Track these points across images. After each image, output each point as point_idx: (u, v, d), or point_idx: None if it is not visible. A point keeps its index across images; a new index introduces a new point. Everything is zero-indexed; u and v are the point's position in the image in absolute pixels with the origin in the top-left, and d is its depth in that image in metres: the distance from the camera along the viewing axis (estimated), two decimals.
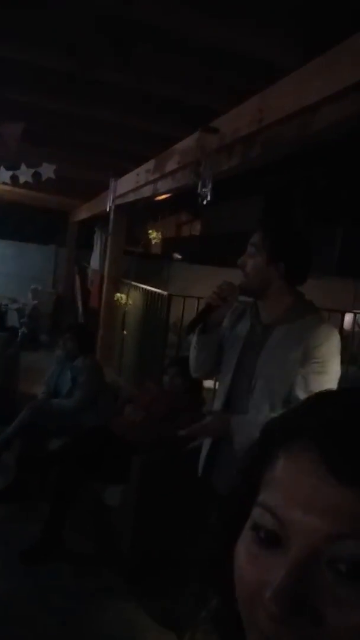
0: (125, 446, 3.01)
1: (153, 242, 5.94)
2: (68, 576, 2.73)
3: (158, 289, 5.55)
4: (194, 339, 1.92)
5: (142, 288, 5.50)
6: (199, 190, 2.55)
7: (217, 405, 1.93)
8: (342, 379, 1.86)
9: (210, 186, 2.56)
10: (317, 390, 1.21)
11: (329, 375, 1.70)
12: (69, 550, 2.89)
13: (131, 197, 4.52)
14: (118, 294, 5.46)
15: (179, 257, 10.08)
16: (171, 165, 3.40)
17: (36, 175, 4.12)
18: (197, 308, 5.00)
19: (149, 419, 3.21)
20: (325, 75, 1.91)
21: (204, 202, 2.60)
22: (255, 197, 10.17)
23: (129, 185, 4.38)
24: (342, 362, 1.82)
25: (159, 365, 4.77)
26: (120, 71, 2.48)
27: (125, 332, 5.78)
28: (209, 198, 2.60)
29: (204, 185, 2.55)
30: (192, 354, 1.96)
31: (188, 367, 3.44)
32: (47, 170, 4.07)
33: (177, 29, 2.01)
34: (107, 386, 3.83)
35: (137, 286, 5.65)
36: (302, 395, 1.64)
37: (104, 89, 2.69)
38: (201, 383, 3.50)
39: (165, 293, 4.97)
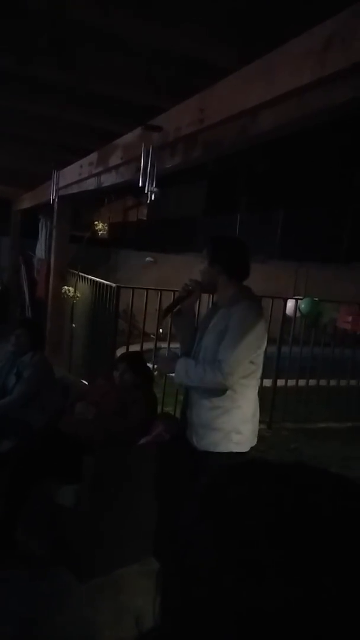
0: (77, 444, 3.00)
1: (99, 233, 5.86)
2: (22, 580, 2.71)
3: (106, 277, 5.52)
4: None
5: (90, 279, 5.45)
6: (145, 190, 2.55)
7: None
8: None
9: (154, 183, 2.56)
10: (225, 348, 2.34)
11: (235, 340, 2.29)
12: (22, 553, 2.88)
13: (75, 189, 4.44)
14: (66, 287, 5.38)
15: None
16: (114, 160, 3.36)
17: None
18: (146, 298, 5.07)
19: (100, 415, 3.22)
20: (264, 79, 1.93)
21: (149, 200, 2.60)
22: (199, 181, 10.19)
23: (73, 176, 4.30)
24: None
25: (109, 359, 4.77)
26: (60, 68, 2.41)
27: (74, 324, 5.73)
28: (154, 197, 2.60)
29: (149, 183, 2.55)
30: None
31: (138, 362, 3.48)
32: None
33: (117, 30, 1.98)
34: (56, 383, 3.78)
35: (85, 277, 5.59)
36: (220, 354, 2.30)
37: (43, 84, 2.61)
38: (151, 377, 3.53)
39: (113, 285, 4.95)
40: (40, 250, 8.54)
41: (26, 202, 7.53)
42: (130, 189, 8.97)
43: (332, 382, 5.71)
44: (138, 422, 3.19)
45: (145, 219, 11.73)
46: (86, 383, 4.18)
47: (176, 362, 2.45)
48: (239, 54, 2.00)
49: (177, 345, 4.91)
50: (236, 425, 2.39)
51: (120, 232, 11.26)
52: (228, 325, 2.32)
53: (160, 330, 5.38)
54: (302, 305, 5.32)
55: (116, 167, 3.42)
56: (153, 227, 10.88)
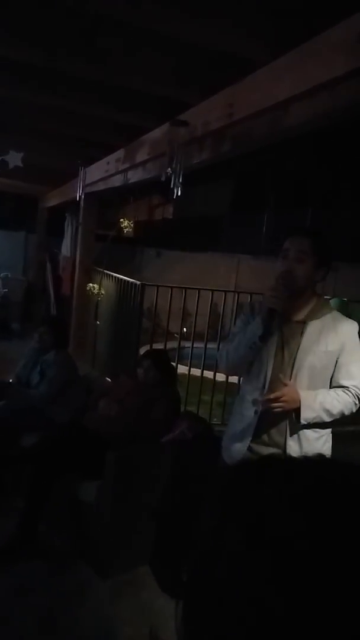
0: (100, 441, 3.00)
1: (125, 230, 5.86)
2: (44, 573, 2.72)
3: (131, 275, 5.51)
4: (245, 339, 2.00)
5: (115, 277, 5.46)
6: (171, 185, 2.53)
7: (255, 394, 2.05)
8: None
9: (180, 179, 2.54)
10: (353, 371, 1.84)
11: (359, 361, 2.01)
12: (44, 547, 2.89)
13: (101, 186, 4.45)
14: (90, 284, 5.39)
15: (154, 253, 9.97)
16: (141, 156, 3.35)
17: (3, 163, 4.03)
18: (170, 296, 5.05)
19: (124, 412, 3.21)
20: (295, 71, 1.89)
21: (175, 196, 2.58)
22: (226, 180, 10.12)
23: (99, 173, 4.31)
24: None
25: (133, 356, 4.76)
26: (89, 63, 2.41)
27: (98, 322, 5.74)
28: (179, 192, 2.58)
29: (175, 179, 2.53)
30: (244, 354, 2.03)
31: (162, 360, 3.46)
32: (15, 158, 3.98)
33: (146, 23, 1.96)
34: (80, 380, 3.78)
35: (109, 275, 5.60)
36: (346, 381, 1.99)
37: (71, 80, 2.61)
38: (175, 375, 3.51)
39: (138, 282, 4.94)
40: (65, 248, 8.61)
41: (53, 199, 7.60)
42: (156, 188, 8.99)
43: None
44: (161, 419, 3.17)
45: (170, 217, 11.72)
46: (109, 380, 4.18)
47: (299, 396, 1.94)
48: (270, 46, 1.96)
49: (201, 344, 4.93)
50: (331, 448, 2.14)
51: (145, 231, 11.28)
52: (344, 345, 1.98)
53: (184, 329, 5.36)
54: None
55: (143, 163, 3.41)
56: (178, 225, 10.86)
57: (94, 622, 2.42)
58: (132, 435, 3.06)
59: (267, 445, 2.03)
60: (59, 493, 2.95)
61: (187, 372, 4.93)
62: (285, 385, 1.94)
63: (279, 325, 1.98)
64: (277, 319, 1.95)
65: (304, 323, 2.00)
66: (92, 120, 3.26)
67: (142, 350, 4.60)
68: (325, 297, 2.98)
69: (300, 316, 2.01)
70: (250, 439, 2.04)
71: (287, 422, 1.98)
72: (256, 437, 2.04)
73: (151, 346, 4.82)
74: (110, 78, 2.52)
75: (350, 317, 2.11)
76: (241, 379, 2.24)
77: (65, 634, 2.33)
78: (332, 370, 2.01)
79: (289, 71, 1.92)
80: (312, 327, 1.99)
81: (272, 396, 1.94)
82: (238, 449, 2.08)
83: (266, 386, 2.01)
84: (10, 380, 3.79)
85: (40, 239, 9.47)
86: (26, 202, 9.40)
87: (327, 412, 1.96)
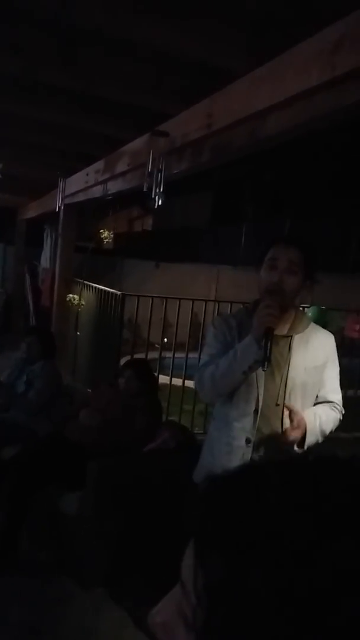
0: (81, 452, 2.98)
1: (105, 241, 5.87)
2: (25, 588, 2.67)
3: (111, 286, 5.51)
4: (236, 364, 1.79)
5: (95, 287, 5.45)
6: (152, 195, 2.54)
7: (245, 422, 1.87)
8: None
9: (162, 189, 2.55)
10: (336, 386, 1.83)
11: (338, 376, 1.99)
12: (25, 560, 2.84)
13: (81, 197, 4.45)
14: (71, 295, 5.37)
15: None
16: (121, 167, 3.37)
17: None
18: (151, 306, 5.06)
19: (105, 422, 3.19)
20: (273, 81, 1.93)
21: (156, 205, 2.59)
22: (204, 193, 10.22)
23: (79, 184, 4.31)
24: None
25: (114, 366, 4.75)
26: (67, 73, 2.43)
27: (78, 332, 5.71)
28: (160, 202, 2.59)
29: (155, 189, 2.55)
30: (230, 380, 1.83)
31: (143, 369, 3.45)
32: None
33: (125, 34, 1.99)
34: (64, 391, 3.76)
35: (89, 285, 5.58)
36: (332, 396, 1.95)
37: (50, 90, 2.62)
38: (156, 385, 3.51)
39: (119, 292, 4.94)
40: (45, 260, 8.56)
41: (32, 211, 7.57)
42: (136, 200, 9.01)
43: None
44: (143, 429, 3.16)
45: (150, 229, 11.76)
46: (90, 391, 4.16)
47: (302, 424, 1.80)
48: (248, 56, 2.00)
49: (182, 354, 4.94)
50: None
51: (125, 242, 11.29)
52: (328, 358, 1.93)
53: (165, 339, 5.36)
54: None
55: (123, 173, 3.43)
56: (158, 236, 10.90)
57: (77, 636, 2.38)
58: (114, 444, 3.04)
59: None
60: (40, 504, 2.91)
61: (168, 382, 4.94)
62: (293, 410, 1.79)
63: (266, 345, 1.76)
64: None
65: (289, 337, 1.87)
66: (71, 131, 3.27)
67: (123, 361, 4.59)
68: (303, 305, 2.95)
69: (284, 330, 1.87)
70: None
71: (280, 448, 1.81)
72: None
73: (132, 356, 4.81)
74: (90, 88, 2.54)
75: (327, 325, 2.09)
76: (218, 403, 1.98)
77: None
78: (319, 386, 1.93)
79: (267, 81, 1.96)
80: (297, 341, 1.87)
81: (294, 429, 1.79)
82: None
83: (259, 411, 1.83)
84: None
85: (18, 250, 9.40)
86: (5, 213, 9.33)
87: (323, 433, 1.87)
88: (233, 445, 1.88)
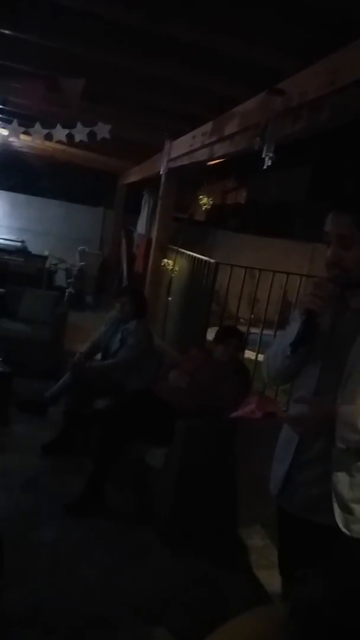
0: (169, 410, 3.04)
1: (204, 207, 5.84)
2: (108, 531, 2.81)
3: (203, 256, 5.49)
4: (281, 346, 1.64)
5: (189, 255, 5.46)
6: (263, 154, 2.46)
7: (299, 407, 1.67)
8: None
9: (273, 149, 2.47)
10: None
11: None
12: (110, 506, 2.97)
13: (185, 161, 4.43)
14: (165, 260, 5.43)
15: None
16: (231, 128, 3.30)
17: (91, 134, 4.09)
18: (244, 277, 5.00)
19: (193, 385, 3.22)
20: None
21: (266, 166, 2.51)
22: (302, 167, 9.84)
23: (184, 148, 4.29)
24: None
25: (202, 333, 4.78)
26: (188, 25, 2.39)
27: (170, 298, 5.78)
28: (270, 162, 2.51)
29: (268, 149, 2.47)
30: (282, 363, 1.68)
31: (242, 338, 3.43)
32: (103, 130, 4.03)
33: None
34: (155, 351, 3.85)
35: (183, 253, 5.61)
36: None
37: (168, 44, 2.60)
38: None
39: (212, 261, 4.91)
40: (141, 226, 8.71)
41: (133, 176, 7.68)
42: (231, 172, 8.85)
43: None
44: (230, 395, 3.15)
45: (243, 202, 11.58)
46: (180, 353, 4.21)
47: (331, 408, 1.53)
48: None
49: (270, 332, 4.85)
50: None
51: (218, 214, 11.20)
52: None
53: (252, 315, 5.28)
54: None
55: (231, 135, 3.36)
56: (251, 210, 10.70)
57: (152, 584, 2.47)
58: (201, 407, 3.07)
59: (309, 471, 1.62)
60: (127, 455, 3.02)
61: (253, 358, 4.88)
62: (315, 402, 1.58)
63: (332, 322, 1.58)
64: (323, 320, 1.56)
65: (348, 312, 1.58)
66: (183, 90, 3.24)
67: (211, 332, 4.60)
68: None
69: (358, 305, 1.58)
70: (290, 460, 1.66)
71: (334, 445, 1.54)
72: (297, 460, 1.64)
73: (220, 327, 4.80)
74: (209, 41, 2.48)
75: None
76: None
77: (125, 591, 2.39)
78: None
79: None
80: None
81: (291, 417, 1.63)
82: (276, 470, 1.72)
83: (314, 386, 1.62)
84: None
85: (117, 215, 9.63)
86: (106, 178, 9.57)
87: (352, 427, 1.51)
88: (284, 436, 1.71)
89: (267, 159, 2.51)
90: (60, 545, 2.62)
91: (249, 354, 4.71)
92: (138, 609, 2.28)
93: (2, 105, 4.67)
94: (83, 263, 8.84)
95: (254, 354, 4.82)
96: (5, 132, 4.73)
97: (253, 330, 5.09)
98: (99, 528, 2.81)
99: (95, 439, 3.10)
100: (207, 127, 3.76)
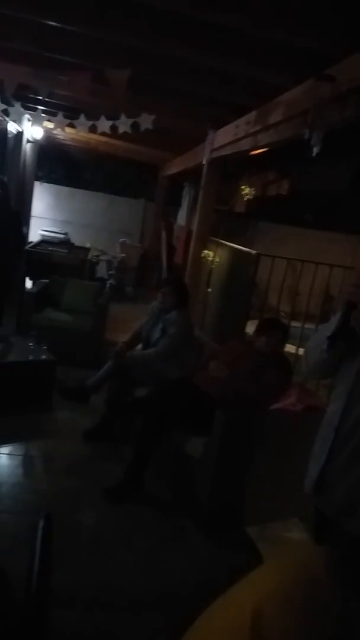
0: (208, 400, 3.04)
1: (246, 197, 5.79)
2: (147, 518, 2.84)
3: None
4: (323, 343, 1.60)
5: (230, 246, 5.43)
6: (312, 142, 2.42)
7: (333, 409, 1.67)
8: None
9: (322, 137, 2.42)
10: None
11: None
12: (149, 493, 3.01)
13: (228, 150, 4.39)
14: (206, 251, 5.42)
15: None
16: (276, 117, 3.25)
17: (135, 125, 4.11)
18: (286, 269, 4.93)
19: (233, 376, 3.21)
20: None
21: (315, 154, 2.47)
22: (346, 158, 9.59)
23: (227, 137, 4.26)
24: None
25: (241, 325, 4.76)
26: (233, 12, 2.35)
27: (209, 289, 5.78)
28: (318, 150, 2.46)
29: (316, 137, 2.42)
30: (319, 356, 1.65)
31: (285, 330, 3.40)
32: (146, 121, 4.04)
33: None
34: (195, 341, 3.86)
35: (224, 244, 5.58)
36: None
37: (214, 31, 2.58)
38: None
39: (253, 252, 4.87)
40: (181, 218, 8.71)
41: (174, 167, 7.68)
42: (272, 164, 8.70)
43: None
44: (270, 387, 3.13)
45: (285, 193, 11.40)
46: (219, 344, 4.20)
47: None
48: None
49: (312, 325, 4.78)
50: None
51: (259, 206, 11.08)
52: None
53: (293, 308, 5.21)
54: None
55: (276, 124, 3.31)
56: (293, 201, 10.52)
57: (190, 572, 2.49)
58: (240, 398, 3.06)
59: (344, 472, 1.58)
60: (166, 445, 3.04)
61: (293, 352, 4.82)
62: None
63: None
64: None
65: None
66: (228, 79, 3.21)
67: (250, 324, 4.57)
68: None
69: None
70: (324, 459, 1.63)
71: None
72: (331, 459, 1.61)
73: (261, 315, 4.77)
74: (255, 28, 2.44)
75: None
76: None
77: (162, 577, 2.42)
78: None
79: None
80: None
81: None
82: (311, 468, 1.70)
83: (351, 392, 1.58)
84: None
85: (158, 207, 9.65)
86: (147, 170, 9.59)
87: None
88: (325, 427, 1.68)
89: (315, 147, 2.46)
90: (100, 529, 2.68)
91: (289, 348, 4.66)
92: (175, 595, 2.31)
93: (48, 98, 4.75)
94: (124, 255, 8.93)
95: (295, 347, 4.77)
96: (51, 124, 4.81)
97: (294, 324, 5.03)
98: (138, 515, 2.85)
99: (135, 427, 3.14)
100: (252, 115, 3.71)
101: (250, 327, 4.34)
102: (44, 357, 4.06)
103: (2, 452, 3.23)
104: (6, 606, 0.99)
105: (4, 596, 1.04)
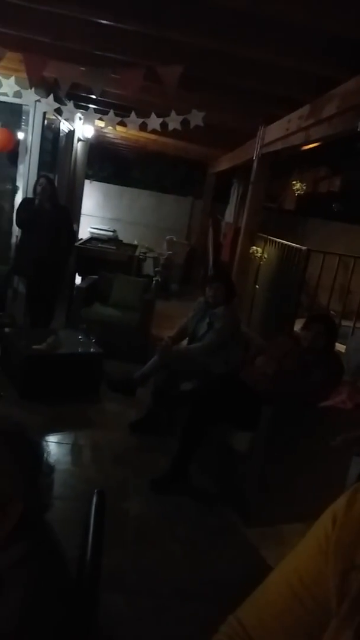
0: (254, 395, 3.03)
1: (297, 193, 5.71)
2: (192, 510, 2.87)
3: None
4: None
5: (279, 242, 5.37)
6: None
7: None
8: None
9: None
10: None
11: None
12: (194, 486, 3.03)
13: (279, 145, 4.35)
14: (254, 247, 5.39)
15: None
16: (329, 111, 3.19)
17: (185, 122, 4.12)
18: (337, 266, 4.83)
19: (280, 372, 3.19)
20: None
21: None
22: None
23: (278, 132, 4.22)
24: None
25: (289, 321, 4.70)
26: (286, 6, 2.33)
27: (257, 286, 5.74)
28: None
29: None
30: (357, 356, 1.66)
31: (333, 326, 3.34)
32: (196, 117, 4.05)
33: None
34: (241, 336, 3.85)
35: (273, 240, 5.53)
36: None
37: (265, 25, 2.56)
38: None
39: (304, 248, 4.81)
40: (229, 215, 8.68)
41: (223, 164, 7.66)
42: (323, 160, 8.52)
43: None
44: (319, 384, 3.08)
45: (336, 190, 11.16)
46: (264, 340, 4.18)
47: None
48: None
49: None
50: None
51: (309, 202, 10.90)
52: None
53: (344, 307, 5.11)
54: None
55: (329, 118, 3.25)
56: (345, 198, 10.28)
57: (236, 563, 2.49)
58: (287, 394, 3.03)
59: None
60: (212, 439, 3.06)
61: (344, 351, 4.73)
62: None
63: None
64: None
65: None
66: (280, 73, 3.18)
67: (298, 323, 4.50)
68: None
69: None
70: None
71: None
72: None
73: (310, 312, 4.70)
74: (307, 18, 2.41)
75: None
76: None
77: (206, 568, 2.43)
78: None
79: None
80: None
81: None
82: (353, 467, 1.71)
83: None
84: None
85: (205, 204, 9.66)
86: (195, 167, 9.61)
87: None
88: None
89: None
90: (145, 519, 2.72)
91: (339, 347, 4.58)
92: (219, 586, 2.32)
93: (100, 96, 4.84)
94: (170, 252, 8.99)
95: (344, 347, 4.68)
96: (102, 123, 4.90)
97: (345, 322, 4.93)
98: (183, 506, 2.88)
99: (181, 420, 3.16)
100: (304, 110, 3.67)
101: (299, 326, 4.29)
102: (92, 350, 4.16)
103: (51, 440, 3.34)
104: (63, 582, 1.03)
105: (61, 571, 1.07)
